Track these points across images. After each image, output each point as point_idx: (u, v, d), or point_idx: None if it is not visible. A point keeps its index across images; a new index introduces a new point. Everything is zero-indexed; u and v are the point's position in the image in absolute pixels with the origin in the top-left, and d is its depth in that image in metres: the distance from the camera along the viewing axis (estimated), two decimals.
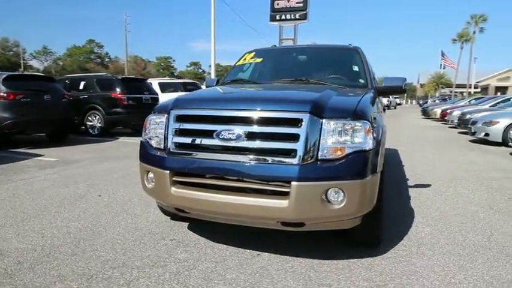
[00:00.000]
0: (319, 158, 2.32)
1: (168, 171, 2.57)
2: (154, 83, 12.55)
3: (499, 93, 39.73)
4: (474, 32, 39.30)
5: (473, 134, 10.11)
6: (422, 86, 74.34)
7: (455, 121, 14.06)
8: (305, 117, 2.33)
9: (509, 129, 8.83)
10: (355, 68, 3.75)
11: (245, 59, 4.29)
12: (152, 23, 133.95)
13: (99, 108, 10.12)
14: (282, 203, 2.29)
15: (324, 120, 2.35)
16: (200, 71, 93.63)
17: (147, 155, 2.80)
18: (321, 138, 2.32)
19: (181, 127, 2.62)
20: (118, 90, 10.07)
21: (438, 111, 19.59)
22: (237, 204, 2.39)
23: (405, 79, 3.68)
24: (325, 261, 2.68)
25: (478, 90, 56.03)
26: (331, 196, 2.31)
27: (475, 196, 4.55)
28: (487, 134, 9.51)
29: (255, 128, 2.39)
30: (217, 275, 2.47)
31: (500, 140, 9.17)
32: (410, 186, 4.96)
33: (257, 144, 2.38)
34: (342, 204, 2.31)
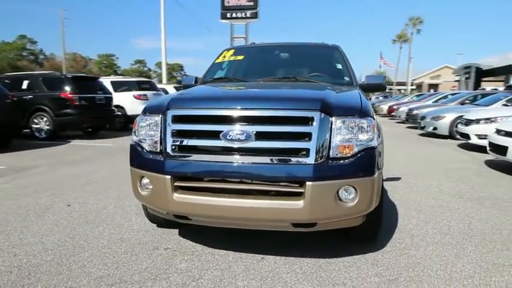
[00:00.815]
0: (331, 156, 2.29)
1: (168, 176, 2.38)
2: (106, 81, 11.80)
3: (432, 90, 43.07)
4: (412, 33, 42.32)
5: (423, 128, 10.84)
6: None
7: (403, 116, 14.98)
8: (316, 115, 2.29)
9: (454, 123, 9.58)
10: (339, 66, 3.80)
11: (224, 57, 4.16)
12: (92, 18, 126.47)
13: (47, 109, 9.30)
14: (297, 204, 2.23)
15: (333, 118, 2.32)
16: (146, 69, 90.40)
17: (141, 159, 2.58)
18: (332, 136, 2.30)
19: (181, 128, 2.44)
20: (68, 89, 9.32)
21: (385, 107, 20.76)
22: (248, 208, 2.29)
23: (385, 77, 3.80)
24: (330, 260, 2.67)
25: (414, 87, 60.35)
26: (344, 194, 2.29)
27: (443, 186, 4.85)
28: (435, 128, 10.24)
29: (266, 128, 2.30)
30: (227, 283, 2.35)
31: (447, 133, 9.93)
32: (383, 180, 5.14)
33: (268, 144, 2.29)
34: (355, 202, 2.30)
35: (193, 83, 4.05)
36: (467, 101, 12.54)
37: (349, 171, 2.28)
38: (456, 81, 41.71)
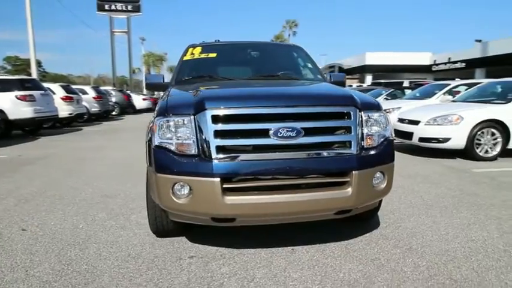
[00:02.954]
0: (364, 146, 2.55)
1: (217, 179, 2.29)
2: None
3: None
4: (289, 35, 46.11)
5: None
6: None
7: None
8: (352, 110, 2.52)
9: None
10: (309, 65, 4.08)
11: (193, 54, 4.01)
12: None
13: None
14: (346, 192, 2.43)
15: (361, 112, 2.59)
16: None
17: (174, 164, 2.38)
18: (363, 128, 2.56)
19: (226, 128, 2.36)
20: None
21: None
22: (299, 202, 2.38)
23: (345, 75, 4.26)
24: (349, 241, 2.95)
25: None
26: (377, 180, 2.59)
27: None
28: None
29: (312, 124, 2.42)
30: (283, 278, 2.40)
31: None
32: None
33: (316, 139, 2.42)
34: (383, 186, 2.63)
35: (162, 81, 3.81)
36: None
37: (380, 158, 2.59)
38: None
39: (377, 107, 2.71)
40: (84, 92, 15.58)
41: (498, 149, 6.18)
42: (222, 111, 2.38)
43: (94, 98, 15.96)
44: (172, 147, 2.43)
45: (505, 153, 6.33)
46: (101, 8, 26.03)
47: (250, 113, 2.39)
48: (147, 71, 38.20)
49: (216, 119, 2.36)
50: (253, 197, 2.34)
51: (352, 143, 2.47)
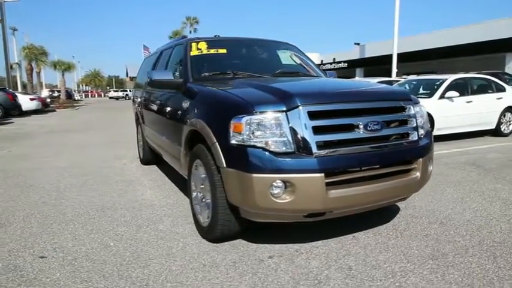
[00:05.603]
0: (420, 137, 2.88)
1: (321, 174, 2.32)
2: None
3: None
4: (190, 32, 45.10)
5: None
6: (132, 79, 77.08)
7: None
8: (411, 104, 2.82)
9: None
10: (310, 62, 4.27)
11: (200, 49, 3.80)
12: None
13: None
14: (416, 177, 2.71)
15: (414, 106, 2.90)
16: None
17: (274, 162, 2.32)
18: (417, 121, 2.88)
19: (324, 124, 2.40)
20: None
21: None
22: (386, 189, 2.58)
23: (335, 73, 4.59)
24: (392, 223, 3.26)
25: None
26: (429, 166, 2.94)
27: None
28: None
29: (389, 117, 2.64)
30: (375, 262, 2.55)
31: None
32: None
33: (394, 130, 2.66)
34: (430, 170, 3.00)
35: (171, 77, 3.55)
36: None
37: (429, 147, 2.95)
38: None
39: (418, 101, 3.06)
40: None
41: None
42: (317, 108, 2.42)
43: None
44: (264, 145, 2.35)
45: None
46: None
47: (343, 109, 2.48)
48: (28, 66, 32.92)
49: (312, 116, 2.38)
50: (351, 189, 2.44)
51: (416, 133, 2.77)
